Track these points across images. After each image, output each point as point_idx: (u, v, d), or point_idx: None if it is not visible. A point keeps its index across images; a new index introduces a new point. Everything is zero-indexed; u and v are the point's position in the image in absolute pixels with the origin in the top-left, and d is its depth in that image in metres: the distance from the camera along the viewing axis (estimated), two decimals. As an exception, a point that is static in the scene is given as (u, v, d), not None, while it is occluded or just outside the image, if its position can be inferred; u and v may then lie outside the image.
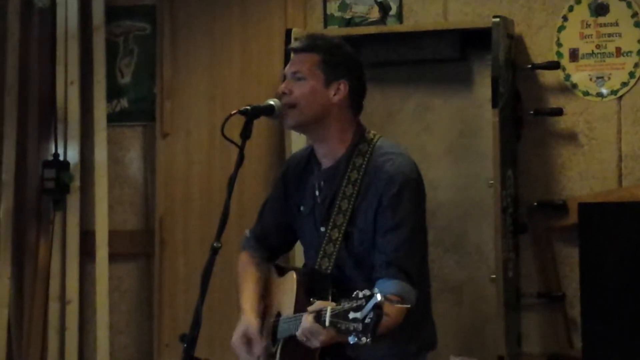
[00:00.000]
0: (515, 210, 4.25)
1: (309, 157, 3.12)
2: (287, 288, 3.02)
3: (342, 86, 3.02)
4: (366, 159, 2.99)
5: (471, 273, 4.34)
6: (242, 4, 4.75)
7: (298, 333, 2.71)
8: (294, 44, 3.07)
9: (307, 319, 2.67)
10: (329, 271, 2.96)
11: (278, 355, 2.96)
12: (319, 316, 2.63)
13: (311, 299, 2.86)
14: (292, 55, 3.05)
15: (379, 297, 2.44)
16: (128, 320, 4.97)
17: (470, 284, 4.34)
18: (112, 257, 4.89)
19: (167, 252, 4.79)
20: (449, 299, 4.33)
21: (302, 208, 3.10)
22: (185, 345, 2.72)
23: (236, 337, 3.03)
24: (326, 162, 3.04)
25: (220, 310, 4.48)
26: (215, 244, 2.75)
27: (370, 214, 2.94)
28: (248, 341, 3.01)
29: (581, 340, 4.06)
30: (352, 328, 2.47)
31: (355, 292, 2.52)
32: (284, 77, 3.04)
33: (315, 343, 2.69)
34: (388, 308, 2.53)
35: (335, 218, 2.98)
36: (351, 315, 2.49)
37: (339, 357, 2.90)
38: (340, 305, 2.54)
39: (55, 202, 4.95)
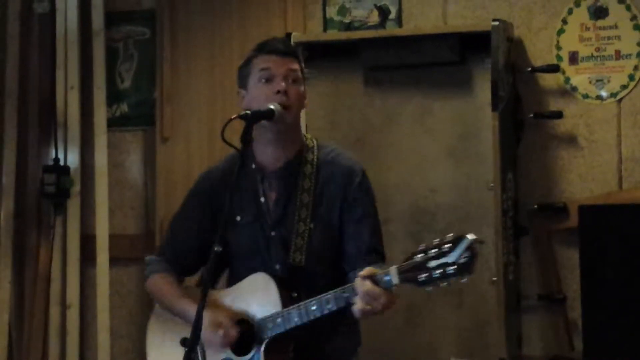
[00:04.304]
0: (515, 213, 4.25)
1: (238, 167, 2.89)
2: (258, 289, 3.00)
3: (306, 92, 3.08)
4: (314, 154, 3.06)
5: (472, 276, 4.34)
6: (242, 8, 4.76)
7: (358, 302, 2.72)
8: (279, 46, 3.04)
9: (365, 284, 2.70)
10: (302, 264, 3.00)
11: (262, 356, 2.95)
12: (379, 279, 2.69)
13: (293, 294, 2.95)
14: (274, 56, 3.00)
15: (470, 236, 2.58)
16: (129, 324, 4.98)
17: (470, 286, 4.33)
18: (113, 261, 4.90)
19: (168, 256, 4.79)
20: (450, 301, 4.33)
21: (238, 218, 3.06)
22: (186, 349, 2.72)
23: (205, 328, 2.86)
24: (275, 164, 3.04)
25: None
26: (216, 248, 2.75)
27: (336, 206, 3.01)
28: (219, 326, 2.95)
29: (582, 342, 4.06)
30: (440, 274, 2.59)
31: (421, 246, 2.63)
32: (268, 78, 3.00)
33: (378, 306, 2.71)
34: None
35: (300, 212, 3.01)
36: (432, 263, 2.60)
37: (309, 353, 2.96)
38: (409, 261, 2.64)
39: (56, 207, 4.95)
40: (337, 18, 4.64)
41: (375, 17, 4.58)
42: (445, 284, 2.61)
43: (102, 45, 4.95)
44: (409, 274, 2.64)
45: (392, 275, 2.67)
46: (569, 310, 4.26)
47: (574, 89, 4.31)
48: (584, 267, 4.03)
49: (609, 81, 4.27)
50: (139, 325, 4.95)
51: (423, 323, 4.32)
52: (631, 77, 4.24)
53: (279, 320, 2.93)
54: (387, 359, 4.36)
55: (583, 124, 4.30)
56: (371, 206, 3.06)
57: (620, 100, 4.27)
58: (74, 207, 4.95)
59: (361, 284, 2.72)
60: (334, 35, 4.58)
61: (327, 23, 4.65)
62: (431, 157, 4.40)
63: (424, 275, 2.62)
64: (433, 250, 2.61)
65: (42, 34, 5.04)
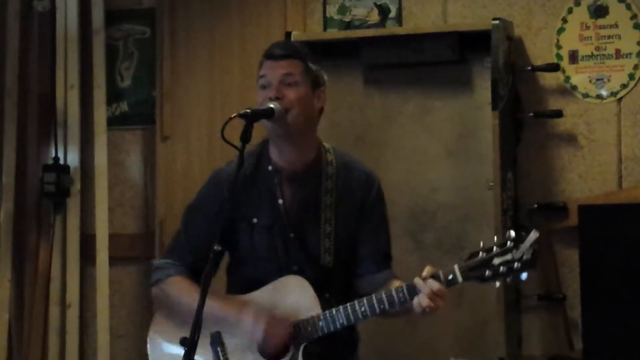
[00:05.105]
0: (515, 212, 4.25)
1: (237, 166, 2.85)
2: (292, 292, 2.99)
3: (322, 94, 3.05)
4: (331, 156, 3.08)
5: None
6: (242, 6, 4.76)
7: (423, 300, 2.80)
8: (275, 50, 3.03)
9: (433, 283, 2.80)
10: (331, 265, 3.02)
11: (301, 356, 2.95)
12: (442, 278, 2.81)
13: (325, 295, 2.97)
14: (270, 62, 3.01)
15: (533, 234, 2.73)
16: (128, 324, 4.97)
17: (470, 285, 4.30)
18: (113, 261, 4.89)
19: (168, 255, 4.78)
20: (450, 301, 4.30)
21: (255, 220, 3.05)
22: (185, 348, 2.72)
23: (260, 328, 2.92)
24: (292, 166, 3.04)
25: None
26: (215, 247, 2.75)
27: (355, 209, 3.05)
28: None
29: (581, 342, 4.06)
30: (506, 270, 2.75)
31: (483, 246, 2.77)
32: (264, 84, 2.99)
33: (441, 304, 2.83)
34: None
35: (325, 213, 3.03)
36: (497, 260, 2.75)
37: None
38: (471, 260, 2.78)
39: (56, 206, 4.94)
40: (337, 17, 4.63)
41: (375, 16, 4.58)
42: (508, 279, 2.78)
43: (102, 43, 4.95)
44: (472, 272, 2.79)
45: (456, 274, 2.81)
46: (569, 309, 4.26)
47: (574, 88, 4.31)
48: (583, 266, 4.03)
49: (609, 80, 4.27)
50: (139, 324, 4.95)
51: (423, 322, 4.30)
52: (631, 76, 4.24)
53: (321, 323, 2.92)
54: (387, 359, 4.35)
55: (583, 123, 4.30)
56: (386, 212, 3.14)
57: (620, 100, 4.26)
58: (73, 206, 4.94)
59: (427, 283, 2.81)
60: (333, 34, 4.57)
61: (327, 22, 4.65)
62: (431, 156, 4.40)
63: (489, 271, 2.76)
64: (496, 248, 2.75)
65: (41, 33, 5.03)
